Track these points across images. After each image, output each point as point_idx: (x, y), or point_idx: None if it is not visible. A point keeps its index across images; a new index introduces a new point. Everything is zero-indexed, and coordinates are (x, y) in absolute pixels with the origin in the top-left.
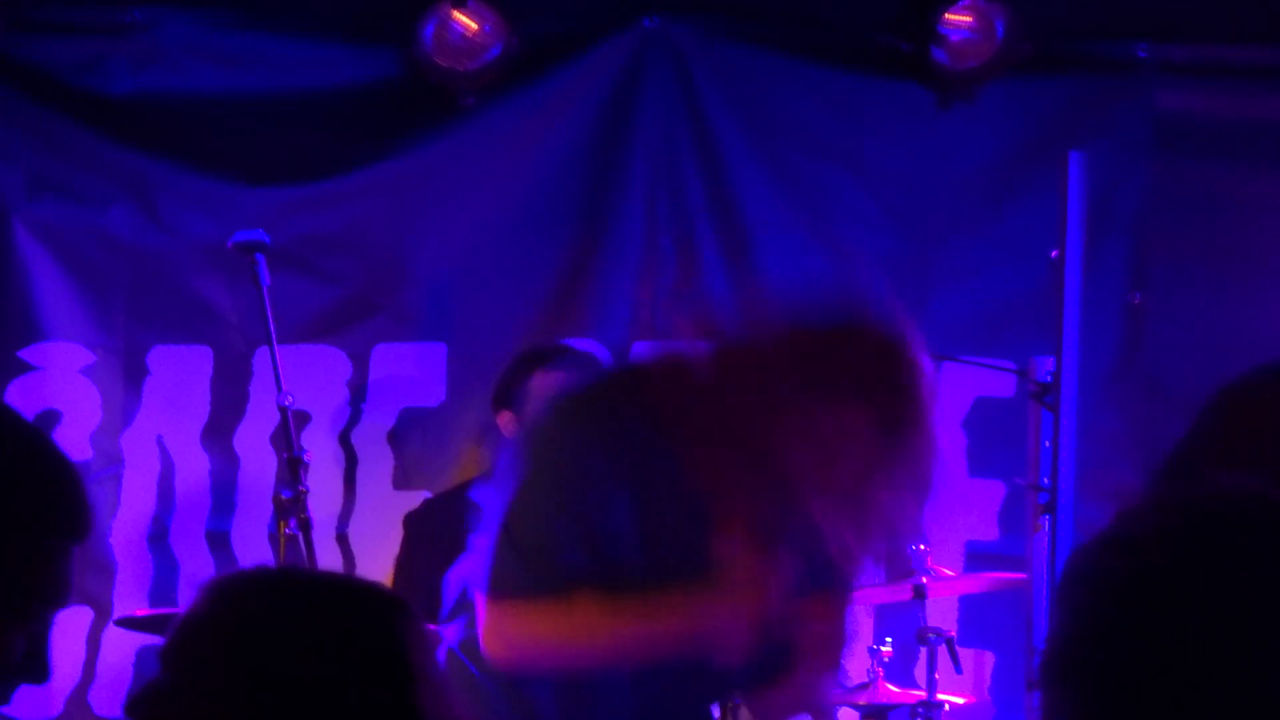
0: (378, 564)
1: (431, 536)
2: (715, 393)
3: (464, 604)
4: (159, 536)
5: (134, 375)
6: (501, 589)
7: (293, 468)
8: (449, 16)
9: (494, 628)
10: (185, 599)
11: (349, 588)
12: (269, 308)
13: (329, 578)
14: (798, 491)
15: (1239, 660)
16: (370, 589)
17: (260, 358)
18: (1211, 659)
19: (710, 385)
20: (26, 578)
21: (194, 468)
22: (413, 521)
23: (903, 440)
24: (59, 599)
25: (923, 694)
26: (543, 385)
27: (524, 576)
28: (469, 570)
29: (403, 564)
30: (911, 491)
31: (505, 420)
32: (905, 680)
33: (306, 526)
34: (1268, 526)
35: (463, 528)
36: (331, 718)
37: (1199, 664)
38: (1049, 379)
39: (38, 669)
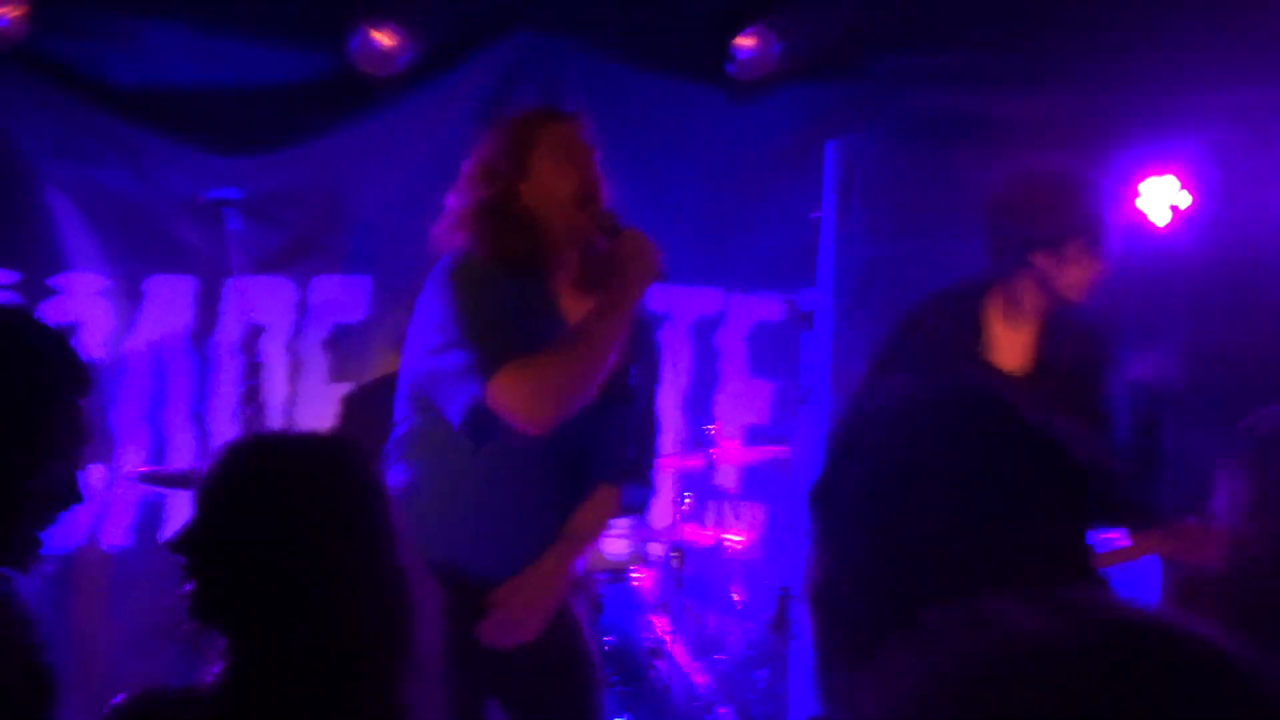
0: None
1: (364, 413)
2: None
3: None
4: (153, 417)
5: (133, 297)
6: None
7: (252, 368)
8: (368, 34)
9: (509, 403)
10: (173, 462)
11: (327, 439)
12: (234, 246)
13: (312, 434)
14: None
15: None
16: (339, 439)
17: (227, 285)
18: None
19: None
20: (56, 426)
21: (179, 366)
22: (349, 400)
23: None
24: (83, 440)
25: (712, 535)
26: None
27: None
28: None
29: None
30: None
31: None
32: (701, 524)
33: (261, 411)
34: (906, 415)
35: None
36: (320, 533)
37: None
38: (810, 308)
39: (76, 494)
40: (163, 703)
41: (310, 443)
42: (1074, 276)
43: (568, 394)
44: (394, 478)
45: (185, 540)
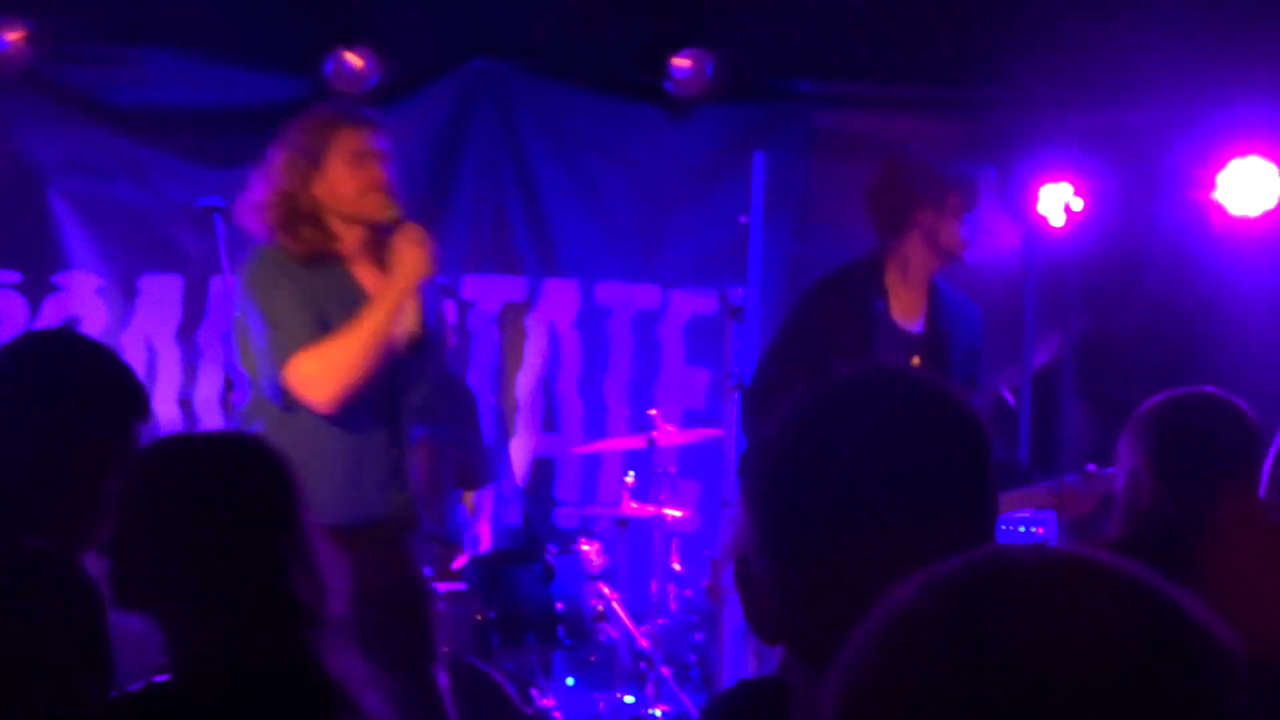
0: None
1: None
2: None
3: None
4: None
5: (129, 294)
6: (280, 360)
7: None
8: (342, 56)
9: (298, 386)
10: None
11: (238, 435)
12: (223, 248)
13: (224, 432)
14: None
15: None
16: (247, 435)
17: (214, 283)
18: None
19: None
20: (120, 449)
21: (170, 356)
22: None
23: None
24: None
25: (653, 509)
26: None
27: (283, 350)
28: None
29: None
30: None
31: None
32: (643, 499)
33: None
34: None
35: None
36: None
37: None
38: (740, 302)
39: None
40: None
41: (224, 438)
42: (953, 229)
43: (347, 377)
44: None
45: (115, 541)
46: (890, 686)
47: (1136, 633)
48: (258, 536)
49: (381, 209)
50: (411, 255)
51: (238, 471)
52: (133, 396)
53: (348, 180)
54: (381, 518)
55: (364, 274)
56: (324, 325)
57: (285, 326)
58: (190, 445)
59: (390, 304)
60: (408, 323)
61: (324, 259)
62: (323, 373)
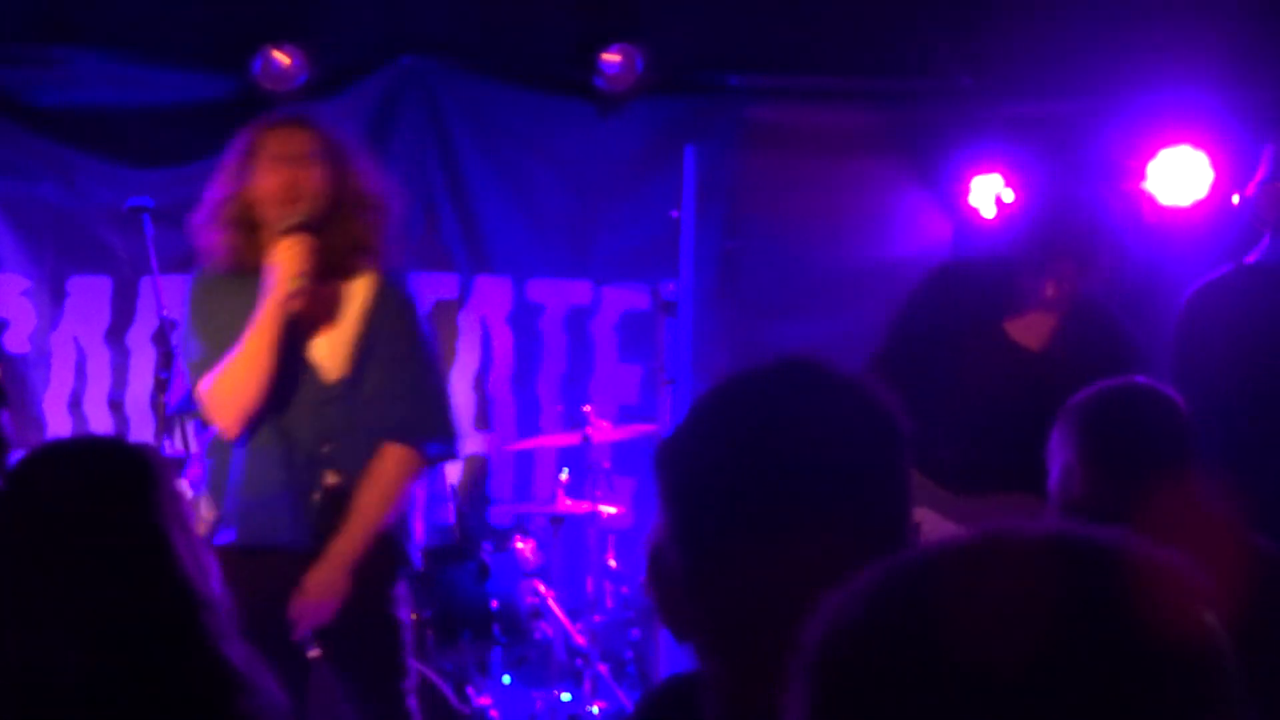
0: None
1: None
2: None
3: None
4: (75, 404)
5: (57, 296)
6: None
7: (166, 358)
8: (270, 55)
9: (205, 410)
10: None
11: (107, 439)
12: (152, 249)
13: (94, 437)
14: None
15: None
16: (116, 439)
17: (144, 284)
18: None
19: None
20: None
21: (99, 358)
22: None
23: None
24: (7, 444)
25: (588, 505)
26: None
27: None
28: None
29: None
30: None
31: None
32: (578, 496)
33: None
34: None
35: None
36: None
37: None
38: (672, 297)
39: None
40: None
41: (97, 442)
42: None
43: (236, 399)
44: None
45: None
46: (845, 705)
47: (1069, 595)
48: (148, 530)
49: (282, 216)
50: (283, 267)
51: (118, 470)
52: None
53: (264, 186)
54: (290, 543)
55: None
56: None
57: (201, 349)
58: (69, 448)
59: (262, 321)
60: (336, 357)
61: (256, 271)
62: (217, 394)
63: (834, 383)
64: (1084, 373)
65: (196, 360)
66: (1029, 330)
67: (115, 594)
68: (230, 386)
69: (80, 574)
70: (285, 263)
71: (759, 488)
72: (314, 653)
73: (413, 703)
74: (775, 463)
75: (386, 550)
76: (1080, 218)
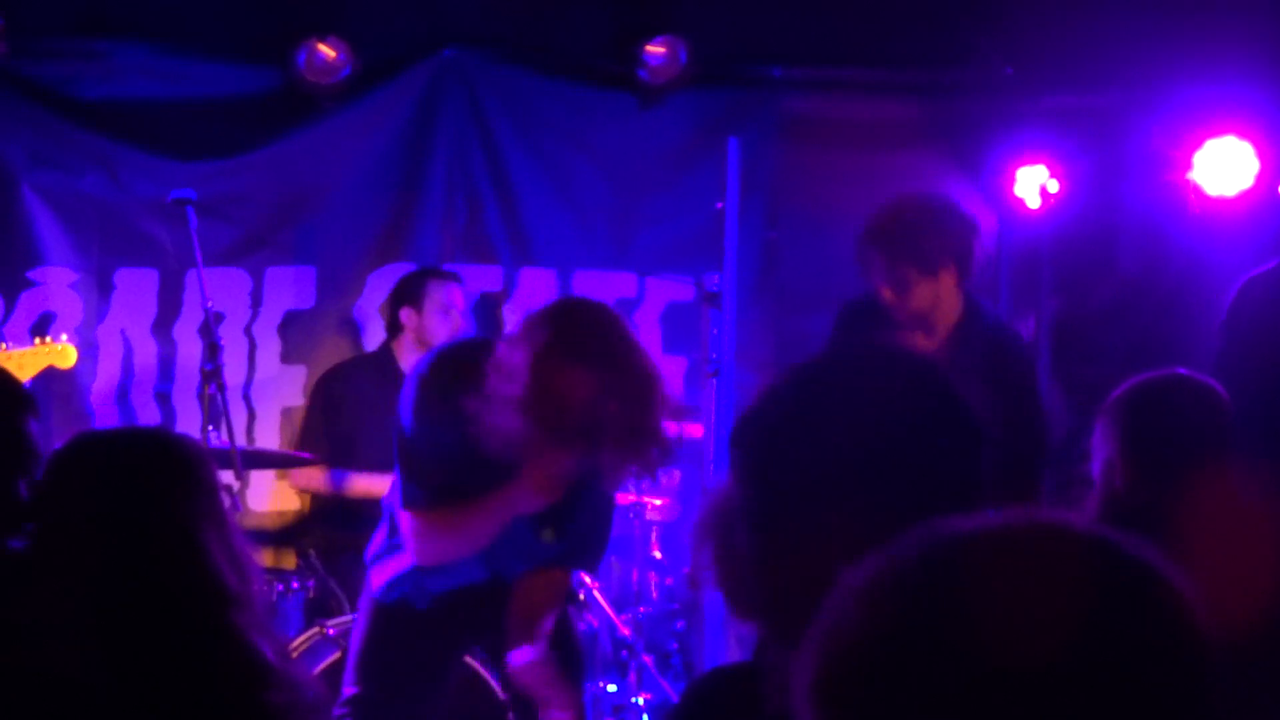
0: (271, 413)
1: (347, 391)
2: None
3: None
4: (122, 396)
5: (104, 288)
6: (410, 506)
7: (212, 350)
8: (315, 47)
9: (413, 534)
10: None
11: (150, 430)
12: (196, 242)
13: (137, 428)
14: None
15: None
16: (161, 430)
17: (189, 276)
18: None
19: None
20: (15, 447)
21: (146, 350)
22: (331, 379)
23: (622, 390)
24: (36, 457)
25: (633, 497)
26: (433, 289)
27: (419, 495)
28: (391, 495)
29: (322, 411)
30: (639, 424)
31: (406, 313)
32: (622, 489)
33: (222, 389)
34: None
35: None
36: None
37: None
38: (716, 289)
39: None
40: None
41: (135, 434)
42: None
43: (445, 557)
44: None
45: (36, 540)
46: (864, 654)
47: (1103, 599)
48: (181, 525)
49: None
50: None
51: (152, 464)
52: (18, 398)
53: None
54: None
55: None
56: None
57: (420, 471)
58: (104, 440)
59: (503, 511)
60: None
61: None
62: (427, 538)
63: (916, 371)
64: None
65: (417, 490)
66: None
67: (137, 587)
68: (449, 550)
69: (104, 567)
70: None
71: (836, 470)
72: None
73: None
74: (854, 447)
75: None
76: (897, 212)
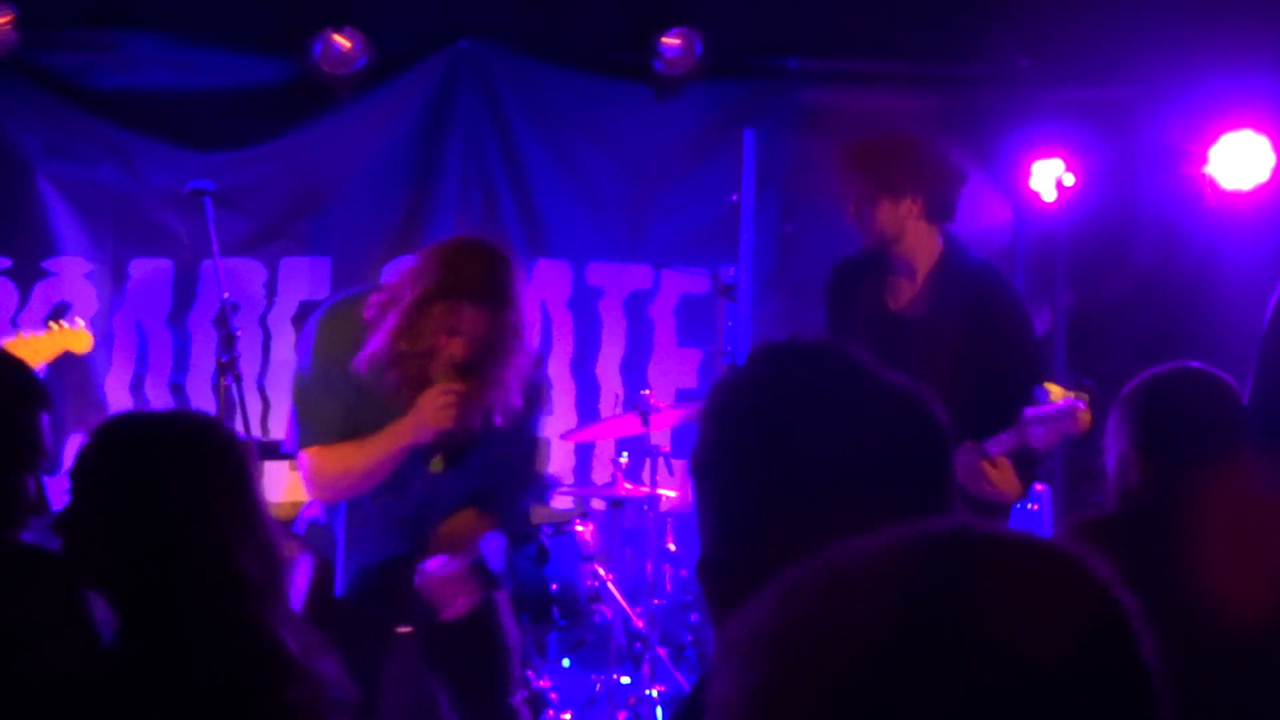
0: (285, 404)
1: None
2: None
3: None
4: (137, 387)
5: (119, 278)
6: (306, 445)
7: (227, 340)
8: (330, 38)
9: (309, 472)
10: None
11: (190, 414)
12: (213, 232)
13: (176, 411)
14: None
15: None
16: (201, 414)
17: (204, 267)
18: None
19: (397, 297)
20: (24, 442)
21: (161, 340)
22: None
23: (495, 323)
24: (45, 453)
25: (647, 489)
26: None
27: (313, 433)
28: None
29: None
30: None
31: None
32: (636, 480)
33: (238, 379)
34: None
35: None
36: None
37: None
38: (731, 280)
39: (43, 504)
40: None
41: (174, 418)
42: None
43: (342, 486)
44: None
45: (66, 518)
46: (836, 640)
47: (1086, 621)
48: (205, 514)
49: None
50: (429, 414)
51: (184, 450)
52: (33, 392)
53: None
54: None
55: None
56: (349, 424)
57: (313, 411)
58: (137, 424)
59: (393, 444)
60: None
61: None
62: (322, 474)
63: (867, 370)
64: (944, 331)
65: (311, 429)
66: (895, 292)
67: (156, 579)
68: (342, 484)
69: (126, 549)
70: (433, 412)
71: (812, 475)
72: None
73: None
74: (810, 445)
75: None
76: (881, 135)
